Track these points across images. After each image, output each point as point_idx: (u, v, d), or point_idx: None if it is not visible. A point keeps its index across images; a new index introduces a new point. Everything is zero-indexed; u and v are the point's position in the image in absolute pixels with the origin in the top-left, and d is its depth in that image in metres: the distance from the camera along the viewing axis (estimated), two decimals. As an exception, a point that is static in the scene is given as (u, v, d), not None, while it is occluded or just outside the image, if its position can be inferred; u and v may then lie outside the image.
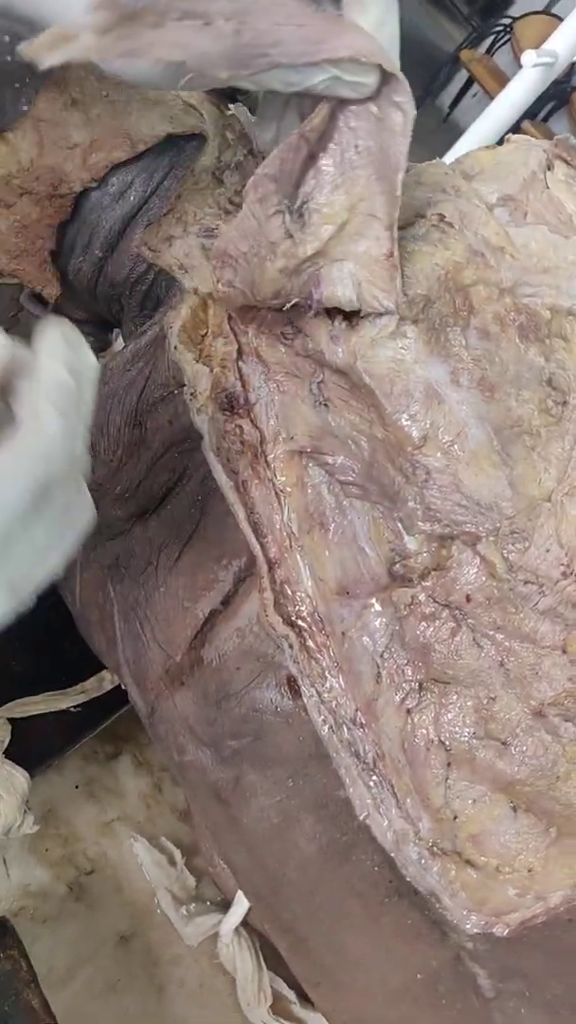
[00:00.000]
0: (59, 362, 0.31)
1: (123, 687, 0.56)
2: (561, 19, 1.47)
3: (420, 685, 0.46)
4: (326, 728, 0.46)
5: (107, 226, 0.51)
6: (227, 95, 0.56)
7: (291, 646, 0.46)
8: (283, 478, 0.47)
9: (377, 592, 0.46)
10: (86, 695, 0.67)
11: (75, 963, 0.64)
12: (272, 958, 0.69)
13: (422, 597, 0.45)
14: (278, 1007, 0.67)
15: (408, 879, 0.47)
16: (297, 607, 0.47)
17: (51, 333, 0.31)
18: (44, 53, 0.35)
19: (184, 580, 0.49)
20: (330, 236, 0.42)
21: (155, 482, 0.49)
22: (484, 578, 0.43)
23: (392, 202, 0.40)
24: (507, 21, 3.44)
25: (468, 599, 0.43)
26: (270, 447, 0.48)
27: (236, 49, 0.36)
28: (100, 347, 0.65)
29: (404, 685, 0.46)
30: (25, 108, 0.49)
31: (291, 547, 0.47)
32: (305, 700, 0.47)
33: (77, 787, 0.73)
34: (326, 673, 0.47)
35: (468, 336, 0.42)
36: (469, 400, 0.41)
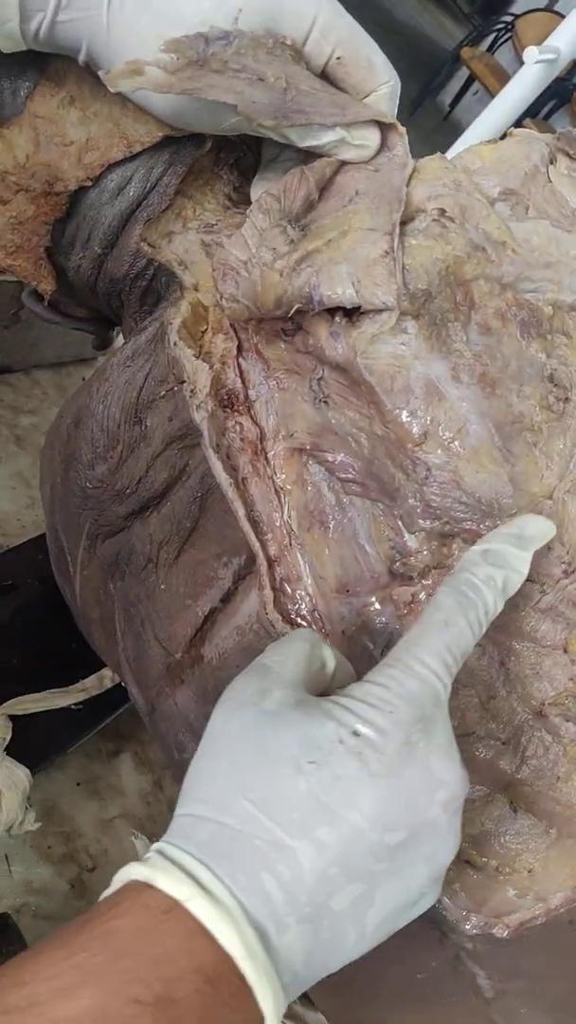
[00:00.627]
0: None
1: (124, 685, 0.56)
2: (563, 16, 1.47)
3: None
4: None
5: (106, 222, 0.51)
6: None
7: (291, 644, 0.46)
8: (283, 475, 0.47)
9: (377, 590, 0.46)
10: (87, 693, 0.67)
11: (76, 961, 0.64)
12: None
13: (423, 596, 0.44)
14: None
15: (408, 878, 0.47)
16: (297, 605, 0.47)
17: None
18: (118, 80, 0.43)
19: (184, 577, 0.49)
20: (331, 239, 0.43)
21: (155, 479, 0.49)
22: (485, 575, 0.43)
23: (393, 214, 0.42)
24: (508, 19, 3.43)
25: (468, 597, 0.43)
26: (270, 444, 0.47)
27: (282, 103, 0.44)
28: (101, 345, 0.65)
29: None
30: (22, 103, 0.49)
31: (291, 545, 0.47)
32: (305, 698, 0.46)
33: (79, 784, 0.73)
34: (326, 671, 0.46)
35: (469, 332, 0.42)
36: (470, 396, 0.41)
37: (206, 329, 0.49)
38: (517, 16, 3.34)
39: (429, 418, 0.41)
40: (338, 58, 0.46)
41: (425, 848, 0.32)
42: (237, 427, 0.47)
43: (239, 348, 0.48)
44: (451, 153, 0.49)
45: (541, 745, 0.44)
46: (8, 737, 0.63)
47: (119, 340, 0.65)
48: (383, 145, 0.47)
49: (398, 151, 0.46)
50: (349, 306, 0.41)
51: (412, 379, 0.41)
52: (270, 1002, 0.28)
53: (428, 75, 3.50)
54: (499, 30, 3.52)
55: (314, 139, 0.46)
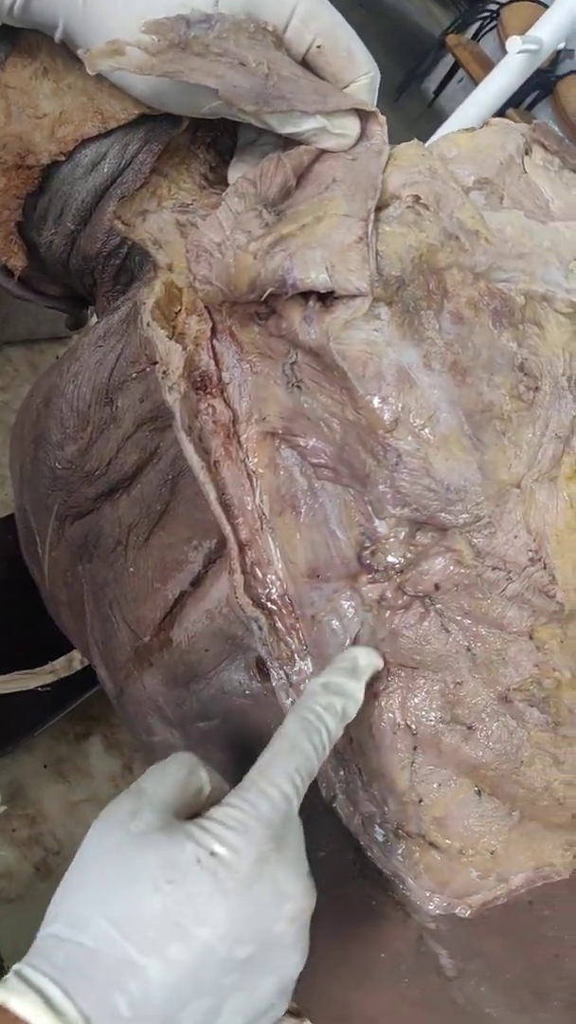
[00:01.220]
0: None
1: (92, 667, 0.56)
2: (547, 6, 1.46)
3: (388, 670, 0.46)
4: (294, 710, 0.46)
5: (79, 198, 0.50)
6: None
7: (260, 628, 0.46)
8: (255, 459, 0.47)
9: (347, 576, 0.46)
10: (56, 675, 0.67)
11: (41, 943, 0.64)
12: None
13: (391, 588, 0.45)
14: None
15: (373, 861, 0.48)
16: (267, 589, 0.47)
17: None
18: (98, 60, 0.42)
19: (153, 561, 0.49)
20: (305, 224, 0.42)
21: (125, 461, 0.48)
22: (452, 566, 0.43)
23: (368, 201, 0.42)
24: (494, 7, 3.42)
25: (437, 587, 0.43)
26: (243, 427, 0.47)
27: (263, 89, 0.43)
28: (75, 324, 0.64)
29: (372, 669, 0.46)
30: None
31: (262, 529, 0.47)
32: (274, 682, 0.47)
33: (46, 767, 0.73)
34: (295, 656, 0.47)
35: (441, 320, 0.42)
36: (441, 384, 0.41)
37: (180, 310, 0.49)
38: (503, 4, 3.32)
39: (400, 405, 0.41)
40: (318, 47, 0.46)
41: (273, 961, 0.34)
42: (210, 409, 0.47)
43: (213, 330, 0.48)
44: (434, 140, 0.49)
45: (506, 730, 0.44)
46: (-25, 719, 0.63)
47: (93, 319, 0.64)
48: (362, 134, 0.47)
49: (376, 139, 0.46)
50: (322, 291, 0.41)
51: (384, 365, 0.41)
52: None
53: (414, 61, 3.48)
54: (484, 18, 3.50)
55: (294, 126, 0.45)
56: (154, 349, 0.46)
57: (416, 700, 0.45)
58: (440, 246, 0.41)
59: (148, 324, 0.47)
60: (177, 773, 0.37)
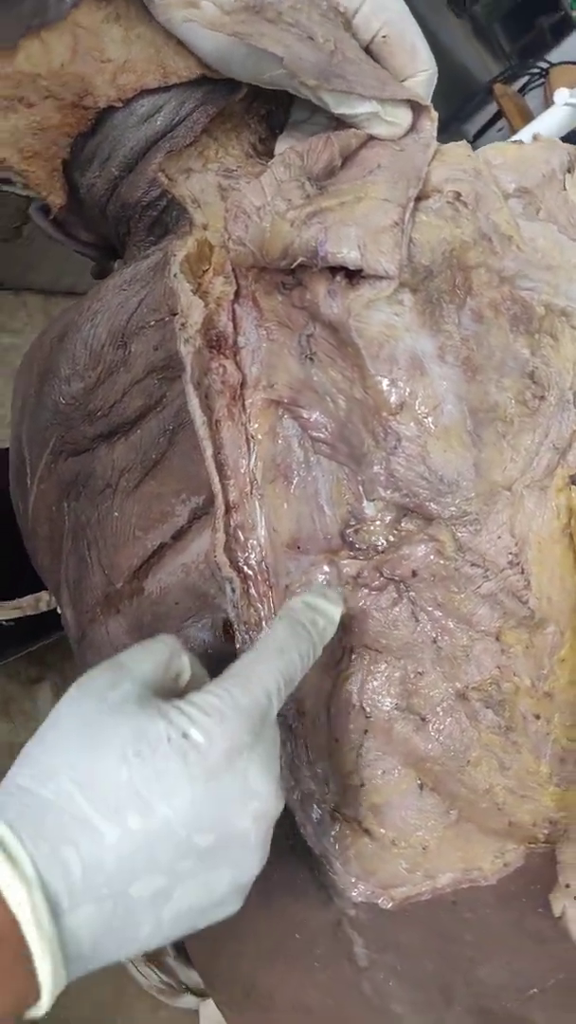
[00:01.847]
0: None
1: (59, 609, 0.56)
2: (598, 67, 1.50)
3: (352, 649, 0.46)
4: (253, 676, 0.46)
5: (128, 145, 0.51)
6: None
7: (233, 590, 0.46)
8: (256, 424, 0.48)
9: (327, 552, 0.47)
10: (21, 612, 0.66)
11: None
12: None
13: (368, 567, 0.45)
14: (154, 957, 0.67)
15: (305, 838, 0.48)
16: (246, 553, 0.47)
17: None
18: (172, 9, 0.43)
19: (139, 508, 0.49)
20: (345, 201, 0.43)
21: (129, 406, 0.49)
22: (433, 555, 0.44)
23: (409, 189, 0.43)
24: (544, 65, 3.49)
25: (414, 573, 0.44)
26: (249, 392, 0.48)
27: (327, 65, 0.43)
28: (100, 273, 0.64)
29: (336, 647, 0.47)
30: (67, 10, 0.48)
31: (251, 493, 0.47)
32: (238, 645, 0.47)
33: (-6, 702, 0.72)
34: (263, 622, 0.47)
35: (462, 315, 0.43)
36: (451, 377, 0.42)
37: (208, 269, 0.49)
38: (552, 64, 3.39)
39: (408, 390, 0.42)
40: (384, 37, 0.47)
41: (231, 856, 0.33)
42: (220, 369, 0.47)
43: (236, 293, 0.48)
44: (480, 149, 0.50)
45: (458, 727, 0.45)
46: None
47: (117, 272, 0.65)
48: (413, 127, 0.48)
49: (425, 133, 0.47)
50: (351, 267, 0.42)
51: (399, 350, 0.42)
52: (48, 975, 0.28)
53: (459, 102, 3.54)
54: (533, 74, 3.57)
55: (349, 107, 0.46)
56: (176, 300, 0.47)
57: (375, 684, 0.46)
58: (473, 244, 0.42)
59: (175, 275, 0.47)
60: (160, 653, 0.36)
